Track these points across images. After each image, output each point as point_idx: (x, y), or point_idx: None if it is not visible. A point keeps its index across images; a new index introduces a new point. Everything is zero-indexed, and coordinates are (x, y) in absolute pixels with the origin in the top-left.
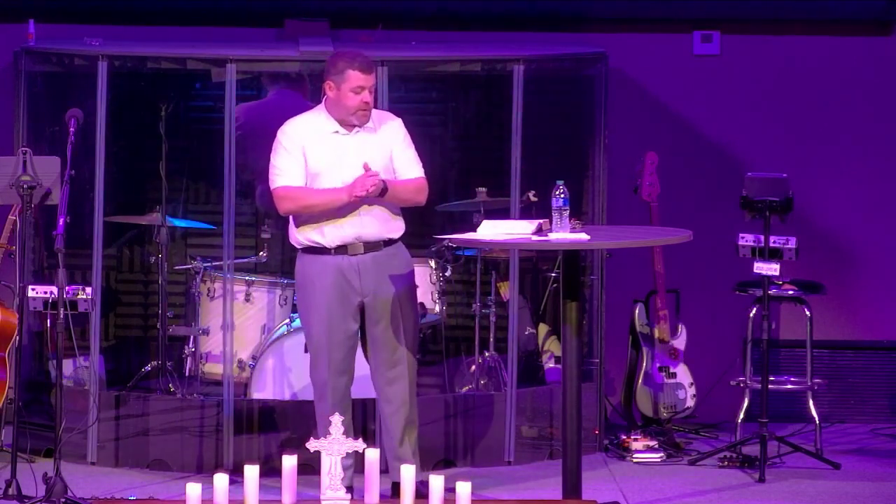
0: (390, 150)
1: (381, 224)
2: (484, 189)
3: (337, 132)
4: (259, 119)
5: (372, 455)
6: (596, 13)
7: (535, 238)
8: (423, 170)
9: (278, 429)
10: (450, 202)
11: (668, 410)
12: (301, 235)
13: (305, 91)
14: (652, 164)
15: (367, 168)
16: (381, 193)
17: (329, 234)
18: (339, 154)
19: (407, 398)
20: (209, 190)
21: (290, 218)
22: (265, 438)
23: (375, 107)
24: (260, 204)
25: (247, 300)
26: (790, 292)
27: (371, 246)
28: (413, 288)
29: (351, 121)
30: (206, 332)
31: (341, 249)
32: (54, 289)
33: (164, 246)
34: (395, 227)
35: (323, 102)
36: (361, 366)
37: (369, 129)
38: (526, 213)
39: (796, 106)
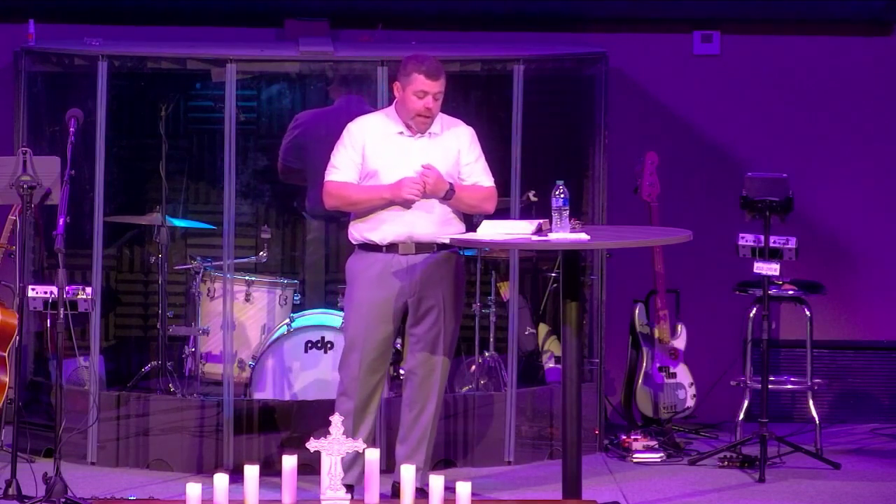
0: (456, 156)
1: (436, 226)
2: None
3: (401, 133)
4: (323, 125)
5: (372, 455)
6: (596, 13)
7: (535, 238)
8: (492, 180)
9: (278, 429)
10: None
11: (668, 410)
12: (356, 231)
13: (368, 97)
14: (652, 164)
15: (427, 167)
16: (446, 196)
17: (382, 230)
18: (401, 155)
19: (433, 408)
20: (209, 190)
21: (351, 214)
22: (265, 438)
23: (375, 108)
24: (310, 207)
25: (247, 300)
26: (790, 292)
27: (423, 247)
28: (460, 299)
29: (411, 124)
30: (206, 332)
31: (392, 248)
32: (54, 289)
33: (164, 246)
34: (451, 232)
35: (393, 104)
36: None
37: (435, 133)
38: (526, 213)
39: (796, 106)
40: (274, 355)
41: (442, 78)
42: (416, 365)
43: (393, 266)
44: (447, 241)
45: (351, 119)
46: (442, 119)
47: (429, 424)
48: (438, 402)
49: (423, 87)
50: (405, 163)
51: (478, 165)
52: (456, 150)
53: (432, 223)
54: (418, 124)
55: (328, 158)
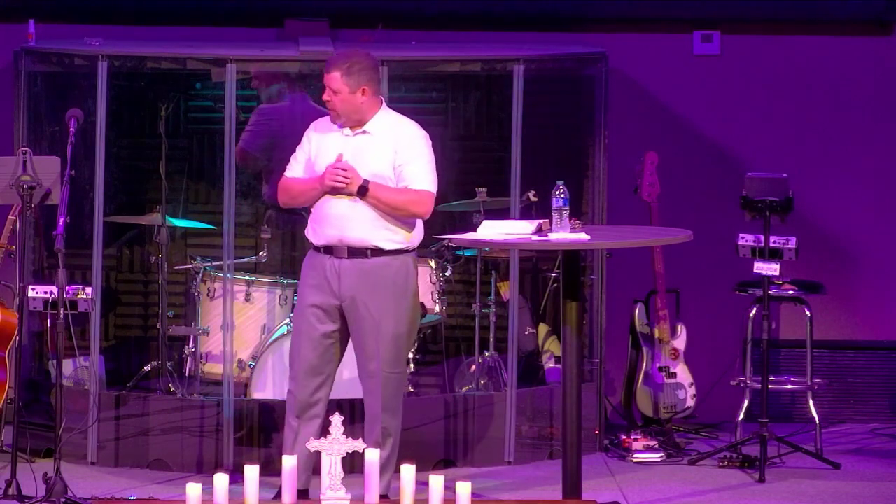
0: (392, 157)
1: (366, 230)
2: (484, 189)
3: (340, 131)
4: (276, 122)
5: (372, 455)
6: (596, 13)
7: (535, 238)
8: (433, 185)
9: (278, 429)
10: (450, 202)
11: (668, 410)
12: (306, 232)
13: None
14: (652, 164)
15: (339, 159)
16: (361, 194)
17: (317, 233)
18: (336, 152)
19: (378, 412)
20: (209, 190)
21: None
22: (265, 438)
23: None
24: (266, 199)
25: (247, 300)
26: (790, 292)
27: (356, 252)
28: (401, 304)
29: None
30: (206, 332)
31: (328, 250)
32: (54, 289)
33: (164, 246)
34: (389, 237)
35: None
36: (352, 368)
37: (369, 132)
38: (526, 213)
39: (796, 106)
40: (274, 355)
41: (335, 72)
42: (358, 369)
43: (328, 268)
44: (386, 246)
45: (298, 117)
46: (387, 118)
47: (387, 430)
48: (390, 416)
49: (324, 80)
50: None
51: (412, 167)
52: (392, 150)
53: (364, 228)
54: (331, 117)
55: (277, 154)
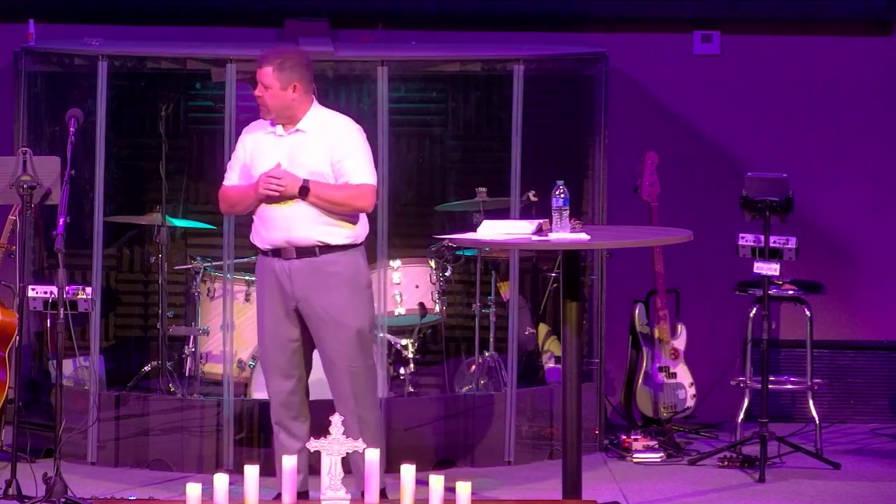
0: (328, 153)
1: (311, 227)
2: (484, 189)
3: (273, 132)
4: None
5: (372, 455)
6: (596, 13)
7: (535, 238)
8: (372, 177)
9: None
10: (450, 202)
11: (668, 410)
12: (251, 236)
13: None
14: (652, 164)
15: (277, 167)
16: (302, 194)
17: (262, 236)
18: (271, 154)
19: (352, 408)
20: (209, 190)
21: None
22: (265, 438)
23: (375, 107)
24: None
25: (247, 300)
26: (790, 292)
27: (304, 251)
28: (357, 298)
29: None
30: (206, 332)
31: (276, 253)
32: (54, 289)
33: (164, 246)
34: (335, 233)
35: None
36: None
37: (308, 129)
38: (526, 213)
39: (796, 106)
40: None
41: (267, 67)
42: (325, 369)
43: (278, 271)
44: (333, 241)
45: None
46: (319, 115)
47: (361, 429)
48: (365, 409)
49: (256, 76)
50: (274, 161)
51: (349, 162)
52: (327, 146)
53: (308, 226)
54: (261, 113)
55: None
